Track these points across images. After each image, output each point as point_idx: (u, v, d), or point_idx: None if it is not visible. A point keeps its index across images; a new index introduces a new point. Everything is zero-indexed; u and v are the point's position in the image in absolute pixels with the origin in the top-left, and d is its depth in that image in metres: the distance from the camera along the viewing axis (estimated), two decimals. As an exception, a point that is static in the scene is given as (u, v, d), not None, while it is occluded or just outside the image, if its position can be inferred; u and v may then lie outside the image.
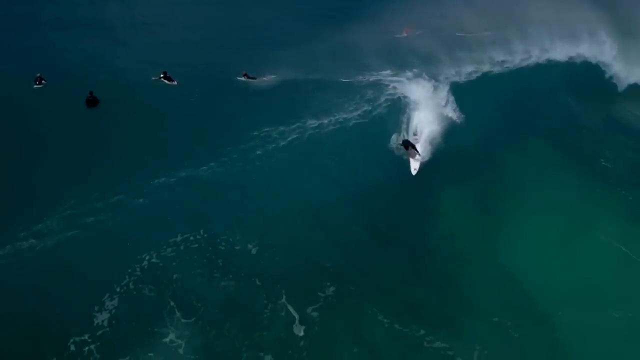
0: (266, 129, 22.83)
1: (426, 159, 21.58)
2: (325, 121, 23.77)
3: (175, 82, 26.97)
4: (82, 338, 14.34)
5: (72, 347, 14.14)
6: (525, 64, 29.73)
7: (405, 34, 33.80)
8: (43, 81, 26.06)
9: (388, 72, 28.73)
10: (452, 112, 24.38)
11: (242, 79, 27.52)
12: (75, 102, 24.53)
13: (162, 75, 27.00)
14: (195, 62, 29.71)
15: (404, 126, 23.55)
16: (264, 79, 27.72)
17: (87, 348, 14.16)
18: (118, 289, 15.68)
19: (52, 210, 17.88)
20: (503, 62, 29.55)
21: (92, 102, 24.58)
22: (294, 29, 35.22)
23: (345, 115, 24.41)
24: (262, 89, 26.99)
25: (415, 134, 22.45)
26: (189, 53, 30.94)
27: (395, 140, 22.27)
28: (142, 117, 23.90)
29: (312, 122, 23.56)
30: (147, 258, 16.72)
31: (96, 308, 15.10)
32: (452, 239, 18.18)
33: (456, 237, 18.32)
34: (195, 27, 35.20)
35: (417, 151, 21.09)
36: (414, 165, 20.68)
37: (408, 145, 21.28)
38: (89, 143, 21.96)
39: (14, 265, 16.01)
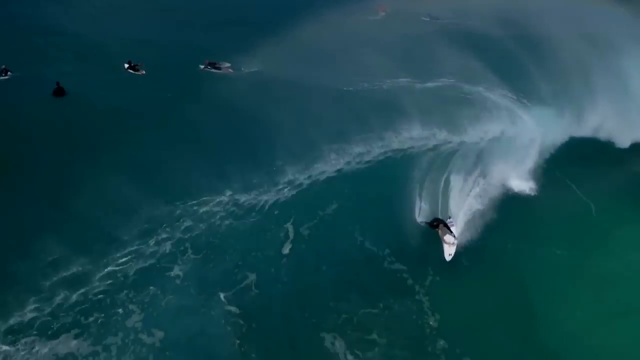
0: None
1: (468, 238, 17.74)
2: (328, 168, 19.71)
3: (143, 72, 27.34)
4: (86, 289, 15.32)
5: (75, 298, 15.05)
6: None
7: (382, 13, 34.83)
8: (9, 72, 26.37)
9: (404, 80, 23.79)
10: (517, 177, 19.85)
11: (208, 68, 27.49)
12: (43, 94, 24.98)
13: (127, 65, 27.53)
14: (163, 45, 29.41)
15: (435, 189, 19.16)
16: (230, 70, 27.37)
17: (91, 298, 15.13)
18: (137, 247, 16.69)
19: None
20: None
21: (59, 92, 25.24)
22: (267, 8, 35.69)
23: (355, 152, 20.32)
24: (240, 85, 25.39)
25: (450, 217, 18.28)
26: (155, 35, 30.56)
27: (419, 215, 18.28)
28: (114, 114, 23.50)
29: (298, 175, 19.44)
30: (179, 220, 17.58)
31: (106, 261, 16.11)
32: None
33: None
34: (164, 9, 35.12)
35: (452, 233, 17.41)
36: (449, 250, 17.13)
37: (439, 225, 17.58)
38: (71, 136, 22.10)
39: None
